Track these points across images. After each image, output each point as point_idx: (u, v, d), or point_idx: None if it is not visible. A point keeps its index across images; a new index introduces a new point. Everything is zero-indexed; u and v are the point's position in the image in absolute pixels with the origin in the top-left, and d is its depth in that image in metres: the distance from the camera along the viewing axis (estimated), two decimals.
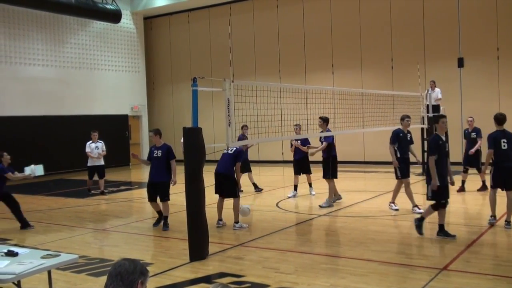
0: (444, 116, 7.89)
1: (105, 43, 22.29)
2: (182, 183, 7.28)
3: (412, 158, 10.19)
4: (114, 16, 21.30)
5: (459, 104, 17.35)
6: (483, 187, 11.81)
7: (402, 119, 10.07)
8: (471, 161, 11.98)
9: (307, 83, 19.92)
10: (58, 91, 20.20)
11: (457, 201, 10.68)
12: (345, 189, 11.94)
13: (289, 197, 12.11)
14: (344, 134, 15.81)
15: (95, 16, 20.65)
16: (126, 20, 23.05)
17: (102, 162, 14.01)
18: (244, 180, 12.72)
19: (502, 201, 8.41)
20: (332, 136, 10.86)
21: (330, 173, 10.77)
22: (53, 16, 19.99)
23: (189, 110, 8.85)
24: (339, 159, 11.12)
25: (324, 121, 10.79)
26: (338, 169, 11.04)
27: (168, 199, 9.17)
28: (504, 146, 8.18)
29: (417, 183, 13.07)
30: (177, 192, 10.13)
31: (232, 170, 9.07)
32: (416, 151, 10.97)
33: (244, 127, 12.39)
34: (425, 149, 15.34)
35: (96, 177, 14.02)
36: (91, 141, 13.93)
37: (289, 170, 12.58)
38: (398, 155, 9.79)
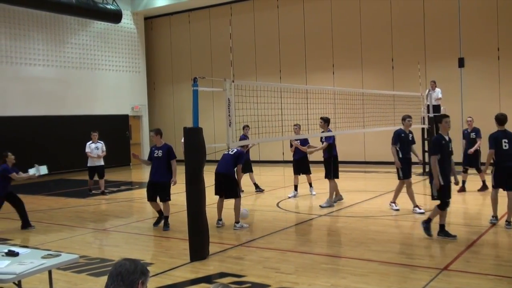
0: (447, 116, 7.85)
1: (106, 43, 22.30)
2: (183, 183, 7.28)
3: (414, 158, 10.19)
4: (114, 16, 21.30)
5: (459, 104, 17.34)
6: (483, 187, 11.82)
7: (404, 119, 10.06)
8: (471, 161, 11.98)
9: (307, 83, 19.92)
10: (59, 91, 20.21)
11: (457, 201, 10.67)
12: (346, 189, 11.94)
13: (289, 197, 12.11)
14: (345, 134, 15.79)
15: (95, 16, 20.65)
16: (127, 20, 23.06)
17: (102, 163, 14.03)
18: (245, 180, 12.72)
19: (503, 201, 8.42)
20: (333, 137, 10.85)
21: (331, 173, 10.78)
22: (53, 16, 20.00)
23: (189, 110, 8.84)
24: (339, 159, 11.12)
25: (325, 121, 10.79)
26: (339, 169, 11.05)
27: (169, 199, 9.17)
28: (505, 146, 8.20)
29: (418, 183, 13.07)
30: (178, 192, 10.13)
31: (233, 170, 9.07)
32: (417, 151, 10.98)
33: (246, 127, 12.39)
34: (426, 149, 15.38)
35: (96, 177, 14.05)
36: (91, 141, 13.95)
37: (290, 170, 12.58)
38: (400, 156, 9.77)
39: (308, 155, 12.29)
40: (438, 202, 7.72)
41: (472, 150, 11.86)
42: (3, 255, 4.90)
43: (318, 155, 11.30)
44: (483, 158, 12.05)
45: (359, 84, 18.80)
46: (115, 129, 21.70)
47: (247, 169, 12.75)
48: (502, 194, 8.36)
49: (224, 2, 21.96)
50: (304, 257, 7.05)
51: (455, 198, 10.53)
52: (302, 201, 11.78)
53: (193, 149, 7.08)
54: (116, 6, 21.37)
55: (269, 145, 19.80)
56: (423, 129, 15.32)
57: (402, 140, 9.81)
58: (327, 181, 10.93)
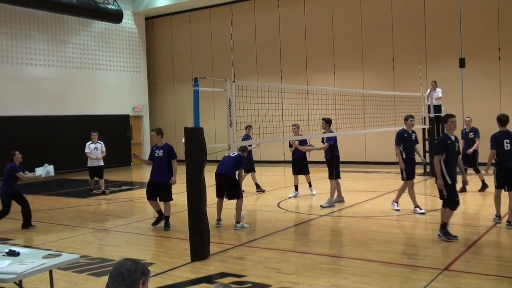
0: (453, 116, 7.81)
1: (107, 43, 22.31)
2: (183, 183, 7.28)
3: (417, 158, 10.16)
4: (115, 16, 21.30)
5: (460, 105, 17.32)
6: (483, 187, 11.83)
7: (406, 119, 10.03)
8: (469, 161, 11.96)
9: (308, 83, 19.92)
10: (60, 91, 20.22)
11: None
12: (347, 189, 11.93)
13: (290, 198, 12.11)
14: (346, 135, 15.80)
15: (96, 16, 20.66)
16: (128, 20, 23.06)
17: (101, 163, 14.06)
18: (246, 180, 12.72)
19: (504, 201, 8.43)
20: (334, 138, 10.84)
21: (334, 174, 10.79)
22: (54, 16, 20.01)
23: (190, 110, 8.84)
24: (340, 159, 11.12)
25: (327, 122, 10.79)
26: (340, 169, 11.05)
27: (171, 199, 9.17)
28: (507, 146, 8.22)
29: (419, 183, 13.06)
30: (178, 192, 10.13)
31: (234, 172, 9.06)
32: (420, 151, 10.96)
33: (249, 127, 12.39)
34: (427, 149, 15.39)
35: (96, 177, 14.09)
36: (90, 142, 13.98)
37: (290, 170, 12.58)
38: (404, 156, 9.73)
39: (306, 155, 12.27)
40: (441, 204, 7.71)
41: (471, 150, 11.86)
42: (4, 255, 4.90)
43: (319, 156, 11.30)
44: (481, 158, 12.10)
45: (360, 84, 18.80)
46: (116, 129, 21.71)
47: (250, 169, 12.77)
48: (504, 194, 8.37)
49: (225, 2, 21.96)
50: (305, 257, 7.05)
51: None
52: (303, 201, 11.78)
53: (194, 149, 7.09)
54: (117, 6, 21.37)
55: (270, 145, 19.78)
56: (424, 129, 15.32)
57: (405, 140, 9.78)
58: (328, 181, 10.93)
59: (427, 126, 15.17)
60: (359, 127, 12.87)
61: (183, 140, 7.37)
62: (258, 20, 21.53)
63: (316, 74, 20.10)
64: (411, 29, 18.39)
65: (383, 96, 14.47)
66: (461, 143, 12.21)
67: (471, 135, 12.06)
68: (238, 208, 8.96)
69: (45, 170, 9.77)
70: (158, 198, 9.25)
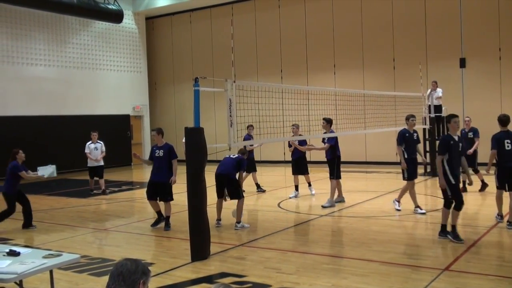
0: (456, 116, 7.79)
1: (107, 43, 22.31)
2: (184, 183, 7.28)
3: (418, 158, 10.14)
4: (116, 16, 21.30)
5: (461, 105, 17.31)
6: (483, 186, 11.83)
7: (407, 118, 10.01)
8: (469, 161, 11.93)
9: (309, 83, 19.91)
10: (60, 91, 20.23)
11: None
12: (347, 190, 11.93)
13: (290, 198, 12.11)
14: (346, 135, 15.80)
15: (97, 16, 20.66)
16: (128, 20, 23.07)
17: (101, 163, 14.07)
18: (247, 180, 12.74)
19: (506, 201, 8.43)
20: (335, 138, 10.84)
21: (335, 174, 10.79)
22: (55, 16, 20.01)
23: (191, 110, 8.85)
24: (341, 159, 11.12)
25: (328, 122, 10.79)
26: (341, 169, 11.06)
27: (171, 199, 9.17)
28: (508, 146, 8.23)
29: (420, 183, 13.05)
30: (179, 192, 10.13)
31: (234, 173, 9.06)
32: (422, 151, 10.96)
33: (250, 127, 12.39)
34: (427, 149, 15.38)
35: (96, 177, 14.09)
36: (90, 142, 13.99)
37: (291, 170, 12.58)
38: (406, 156, 9.72)
39: (306, 155, 12.26)
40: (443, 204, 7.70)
41: (471, 151, 11.85)
42: (4, 255, 4.90)
43: (319, 156, 11.30)
44: (481, 158, 12.10)
45: (360, 84, 18.80)
46: (116, 129, 21.72)
47: (251, 168, 12.78)
48: (505, 194, 8.40)
49: (225, 2, 21.97)
50: (305, 257, 7.05)
51: None
52: (303, 201, 11.78)
53: (194, 149, 7.09)
54: (118, 6, 21.38)
55: (270, 145, 19.78)
56: (424, 129, 15.31)
57: (406, 140, 9.77)
58: (327, 181, 10.93)
59: (427, 126, 15.17)
60: (359, 127, 12.87)
61: (184, 140, 7.37)
62: (259, 20, 21.53)
63: (317, 74, 20.09)
64: (411, 29, 18.39)
65: (383, 96, 14.46)
66: None
67: (470, 135, 12.06)
68: (239, 208, 8.97)
69: (48, 171, 9.76)
70: (158, 198, 9.25)
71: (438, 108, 15.43)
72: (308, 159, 12.78)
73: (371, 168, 18.11)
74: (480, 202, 10.96)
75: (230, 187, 9.01)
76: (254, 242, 7.99)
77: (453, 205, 7.57)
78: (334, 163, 10.79)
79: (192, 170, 7.04)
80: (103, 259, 7.21)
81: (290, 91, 11.98)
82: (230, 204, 9.29)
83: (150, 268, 3.00)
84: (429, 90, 15.47)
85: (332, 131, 10.84)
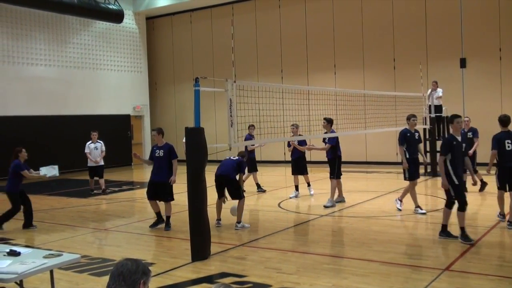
0: (458, 116, 7.78)
1: (108, 43, 22.32)
2: (184, 183, 7.28)
3: (420, 158, 10.13)
4: (116, 16, 21.31)
5: (461, 105, 17.31)
6: (483, 186, 11.83)
7: (408, 118, 9.99)
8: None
9: (309, 83, 19.91)
10: (61, 91, 20.24)
11: None
12: (347, 190, 11.93)
13: (290, 198, 12.11)
14: (346, 135, 15.81)
15: (97, 16, 20.67)
16: (129, 20, 23.08)
17: (101, 163, 14.08)
18: (248, 180, 12.74)
19: (507, 202, 8.43)
20: (336, 138, 10.84)
21: (335, 173, 10.79)
22: (55, 16, 20.02)
23: (191, 110, 8.84)
24: (342, 158, 11.13)
25: (329, 122, 10.79)
26: (341, 169, 11.06)
27: (172, 199, 9.17)
28: (508, 146, 8.24)
29: (420, 183, 13.03)
30: (179, 192, 10.13)
31: (234, 174, 9.06)
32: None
33: (251, 126, 12.38)
34: (428, 149, 15.37)
35: (96, 177, 14.10)
36: (90, 141, 13.99)
37: (291, 170, 12.58)
38: (407, 156, 9.70)
39: (306, 155, 12.26)
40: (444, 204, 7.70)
41: (471, 152, 11.84)
42: (4, 255, 4.90)
43: (319, 156, 11.30)
44: (480, 158, 12.10)
45: (360, 84, 18.80)
46: (117, 129, 21.73)
47: (252, 168, 12.79)
48: (506, 194, 8.42)
49: (225, 2, 21.97)
50: (306, 257, 7.05)
51: None
52: (303, 202, 11.78)
53: (194, 149, 7.09)
54: (118, 6, 21.39)
55: (270, 145, 19.74)
56: (424, 129, 15.30)
57: (408, 140, 9.76)
58: (327, 181, 10.93)
59: (428, 126, 15.16)
60: (359, 127, 12.87)
61: (184, 140, 7.37)
62: (259, 20, 21.53)
63: (317, 74, 20.09)
64: (412, 29, 18.38)
65: (384, 96, 14.45)
66: None
67: (469, 135, 12.05)
68: (240, 208, 8.97)
69: (50, 171, 9.76)
70: (159, 199, 9.25)
71: (438, 108, 15.42)
72: (308, 159, 12.78)
73: (371, 168, 18.10)
74: (480, 202, 10.96)
75: (230, 187, 9.02)
76: (255, 242, 7.99)
77: (457, 207, 7.55)
78: (335, 163, 10.80)
79: (193, 170, 7.04)
80: (103, 259, 7.21)
81: (290, 91, 11.98)
82: (230, 204, 9.28)
83: (150, 268, 3.00)
84: (429, 90, 15.46)
85: (333, 131, 10.84)
